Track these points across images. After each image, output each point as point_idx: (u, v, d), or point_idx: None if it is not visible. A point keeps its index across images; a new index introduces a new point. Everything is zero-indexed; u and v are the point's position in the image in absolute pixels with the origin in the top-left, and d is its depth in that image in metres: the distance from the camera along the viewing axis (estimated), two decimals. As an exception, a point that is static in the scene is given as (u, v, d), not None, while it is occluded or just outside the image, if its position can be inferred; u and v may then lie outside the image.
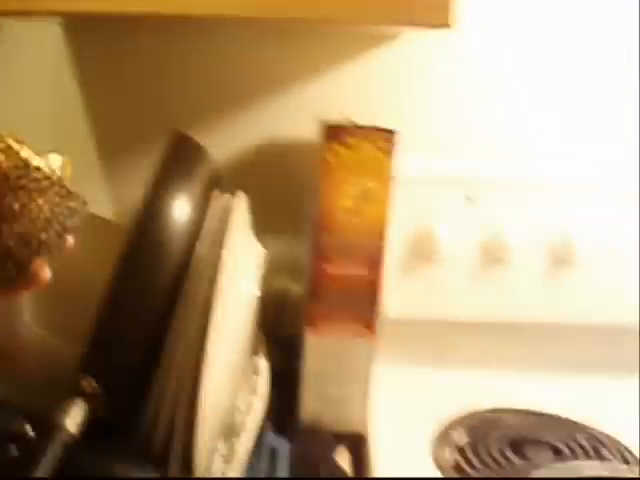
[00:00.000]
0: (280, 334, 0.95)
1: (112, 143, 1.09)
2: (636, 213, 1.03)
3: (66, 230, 0.60)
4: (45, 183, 0.57)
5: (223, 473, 0.72)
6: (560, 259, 1.03)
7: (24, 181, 0.55)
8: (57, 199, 0.58)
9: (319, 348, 0.87)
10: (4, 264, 0.57)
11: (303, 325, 0.88)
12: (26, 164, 0.55)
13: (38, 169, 0.56)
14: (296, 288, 1.09)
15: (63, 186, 0.58)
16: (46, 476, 0.61)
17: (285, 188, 1.07)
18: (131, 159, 1.09)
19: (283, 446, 0.85)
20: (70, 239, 0.60)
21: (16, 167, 0.55)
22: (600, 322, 1.05)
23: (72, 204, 0.59)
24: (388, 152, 0.79)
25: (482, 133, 1.09)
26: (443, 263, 1.00)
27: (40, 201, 0.57)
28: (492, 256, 1.01)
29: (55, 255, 0.60)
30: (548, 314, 1.04)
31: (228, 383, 0.71)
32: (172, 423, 0.68)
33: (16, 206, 0.55)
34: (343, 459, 0.90)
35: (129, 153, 1.09)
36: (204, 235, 0.71)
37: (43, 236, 0.58)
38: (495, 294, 1.02)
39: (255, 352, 0.88)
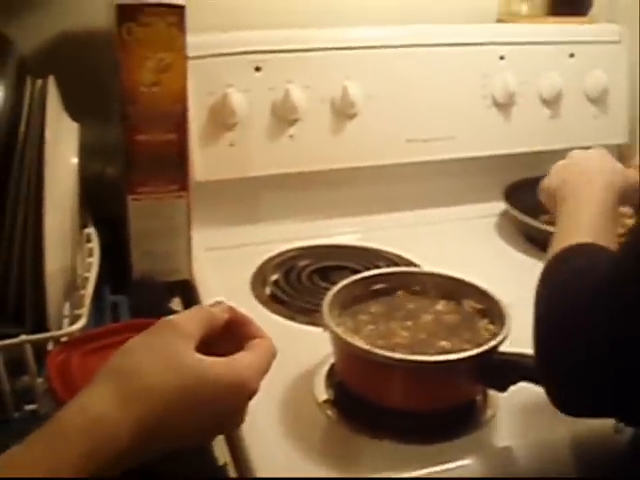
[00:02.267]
0: (103, 214, 1.04)
1: None
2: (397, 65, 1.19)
3: None
4: None
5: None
6: (342, 113, 1.17)
7: None
8: None
9: (141, 212, 0.96)
10: None
11: (124, 195, 0.97)
12: None
13: None
14: (111, 170, 1.17)
15: None
16: None
17: (93, 74, 1.09)
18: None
19: (122, 300, 0.96)
20: None
21: None
22: (380, 163, 1.21)
23: None
24: (179, 26, 0.88)
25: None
26: (240, 126, 1.10)
27: None
28: (283, 116, 1.13)
29: None
30: (337, 161, 1.18)
31: (66, 245, 0.81)
32: (22, 285, 0.77)
33: None
34: (177, 305, 1.02)
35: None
36: (24, 117, 0.78)
37: None
38: (290, 149, 1.15)
39: (85, 225, 0.97)
